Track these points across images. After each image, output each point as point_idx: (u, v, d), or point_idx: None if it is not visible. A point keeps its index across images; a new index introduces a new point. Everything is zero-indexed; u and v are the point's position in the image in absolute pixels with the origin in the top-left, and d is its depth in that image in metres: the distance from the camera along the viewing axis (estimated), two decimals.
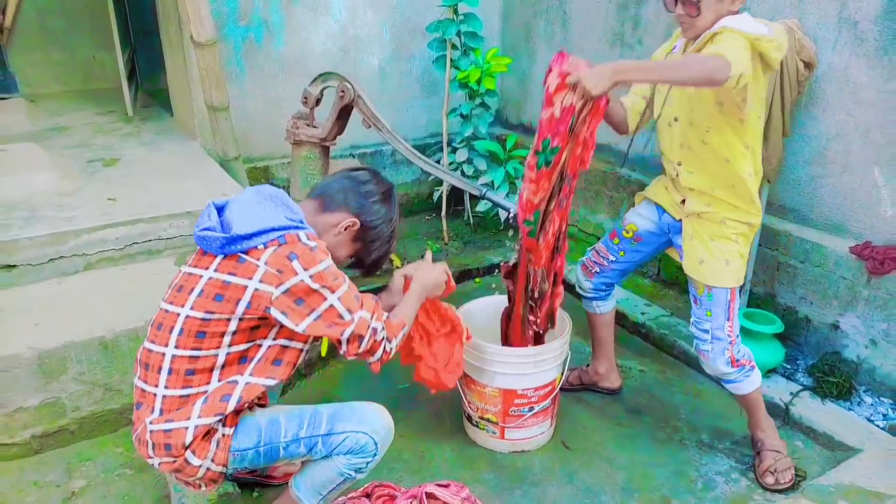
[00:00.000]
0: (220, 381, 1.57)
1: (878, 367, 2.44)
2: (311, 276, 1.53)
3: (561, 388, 2.29)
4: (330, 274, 1.56)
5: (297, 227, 1.58)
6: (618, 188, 3.49)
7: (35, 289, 2.33)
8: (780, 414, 2.39)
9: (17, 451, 2.05)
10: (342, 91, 2.42)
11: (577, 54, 3.43)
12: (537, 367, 2.13)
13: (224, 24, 3.34)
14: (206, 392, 1.56)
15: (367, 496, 1.84)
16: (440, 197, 3.87)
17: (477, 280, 3.48)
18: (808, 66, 2.44)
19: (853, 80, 2.42)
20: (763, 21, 1.97)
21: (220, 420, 1.56)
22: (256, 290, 1.52)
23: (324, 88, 2.56)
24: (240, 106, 3.43)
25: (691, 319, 2.15)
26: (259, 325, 1.58)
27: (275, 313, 1.54)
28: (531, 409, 2.18)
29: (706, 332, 2.08)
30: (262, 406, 1.75)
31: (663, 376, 2.70)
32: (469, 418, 2.29)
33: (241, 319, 1.54)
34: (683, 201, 2.13)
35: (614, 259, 2.35)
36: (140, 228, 2.52)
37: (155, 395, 1.57)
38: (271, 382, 1.61)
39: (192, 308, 1.55)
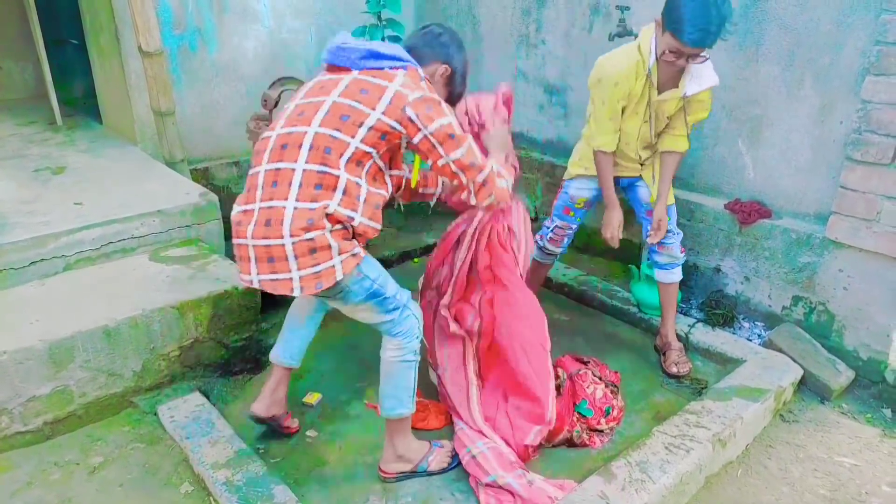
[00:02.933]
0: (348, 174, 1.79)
1: (751, 298, 3.06)
2: (434, 95, 1.87)
3: None
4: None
5: (416, 65, 1.93)
6: (532, 170, 3.98)
7: (21, 290, 2.46)
8: (683, 341, 2.95)
9: (31, 438, 2.21)
10: None
11: (488, 53, 4.09)
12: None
13: (160, 32, 3.49)
14: (342, 183, 1.78)
15: None
16: None
17: (415, 260, 3.86)
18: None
19: (718, 70, 3.01)
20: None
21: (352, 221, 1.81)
22: (397, 91, 1.80)
23: (282, 91, 2.83)
24: (177, 111, 3.58)
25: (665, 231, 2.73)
26: (386, 135, 1.81)
27: (409, 112, 1.79)
28: None
29: (670, 232, 2.72)
30: None
31: (587, 321, 3.21)
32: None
33: (375, 123, 1.78)
34: (641, 163, 2.75)
35: (574, 226, 2.94)
36: (114, 228, 2.69)
37: (294, 169, 1.77)
38: (383, 193, 1.91)
39: (322, 119, 1.79)
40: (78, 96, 4.77)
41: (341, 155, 1.78)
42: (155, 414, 2.38)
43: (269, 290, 1.82)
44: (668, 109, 2.60)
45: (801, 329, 2.87)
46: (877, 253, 2.57)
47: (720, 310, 3.09)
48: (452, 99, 2.15)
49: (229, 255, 3.10)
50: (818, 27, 2.66)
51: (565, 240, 2.98)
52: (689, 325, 3.00)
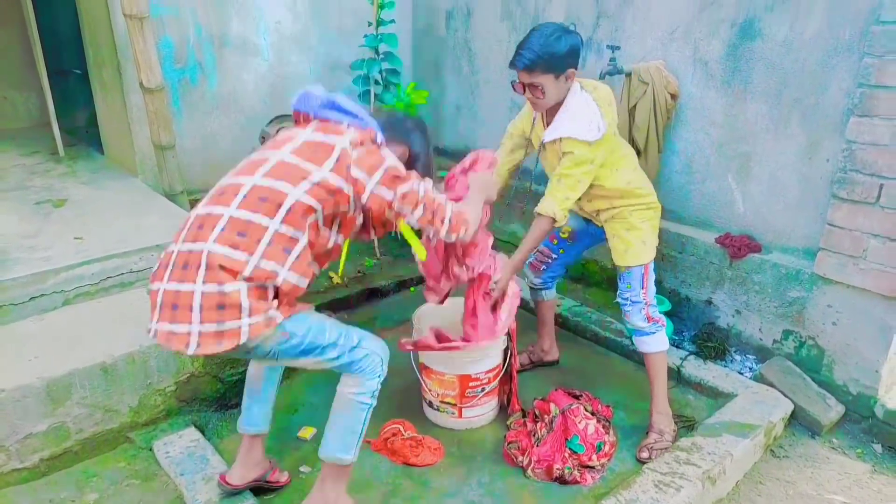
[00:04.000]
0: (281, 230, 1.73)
1: (743, 331, 3.09)
2: (378, 151, 1.87)
3: (519, 371, 2.80)
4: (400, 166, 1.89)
5: (375, 127, 1.92)
6: (527, 201, 4.02)
7: (20, 326, 2.50)
8: (674, 375, 2.98)
9: (27, 475, 2.23)
10: None
11: (483, 85, 4.13)
12: (486, 353, 2.58)
13: (161, 67, 3.55)
14: (270, 234, 1.71)
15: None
16: None
17: (412, 289, 3.89)
18: (673, 96, 3.08)
19: (707, 107, 3.08)
20: (589, 90, 2.44)
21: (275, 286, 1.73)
22: (343, 149, 1.79)
23: (279, 129, 2.88)
24: (178, 143, 3.64)
25: (617, 293, 2.64)
26: (333, 193, 1.79)
27: (354, 171, 1.79)
28: (483, 389, 2.62)
29: (626, 300, 2.60)
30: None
31: (580, 353, 3.24)
32: (430, 404, 2.69)
33: (320, 180, 1.76)
34: (597, 213, 2.68)
35: (556, 256, 2.90)
36: (114, 263, 2.74)
37: (222, 214, 1.71)
38: (327, 247, 1.90)
39: (262, 176, 1.75)
40: (81, 125, 4.84)
41: (279, 205, 1.72)
42: (150, 449, 2.40)
43: (163, 344, 1.68)
44: (551, 159, 2.55)
45: (792, 363, 2.90)
46: (864, 289, 2.60)
47: (712, 342, 3.12)
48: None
49: None
50: (804, 67, 2.72)
51: (545, 269, 2.93)
52: (681, 358, 3.02)
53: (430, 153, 2.15)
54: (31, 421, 2.19)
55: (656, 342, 2.60)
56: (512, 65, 2.36)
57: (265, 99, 4.02)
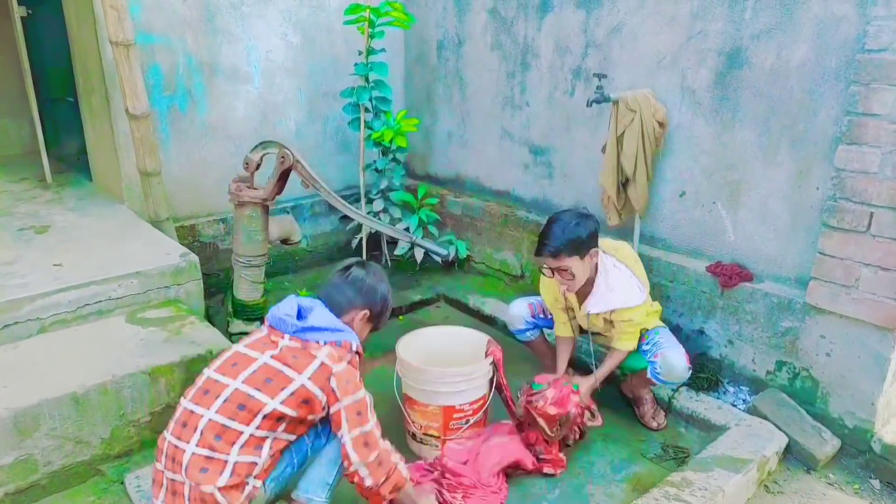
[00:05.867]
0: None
1: (735, 361, 3.02)
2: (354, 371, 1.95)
3: None
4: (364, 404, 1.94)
5: (348, 336, 1.98)
6: (518, 228, 3.99)
7: None
8: (665, 407, 2.90)
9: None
10: (283, 157, 2.74)
11: (474, 113, 4.12)
12: (470, 384, 2.51)
13: (150, 94, 3.54)
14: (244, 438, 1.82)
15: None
16: (359, 243, 4.22)
17: (401, 318, 3.83)
18: (661, 125, 3.06)
19: (696, 135, 3.06)
20: (611, 253, 2.67)
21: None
22: (323, 361, 1.88)
23: (264, 155, 2.87)
24: (165, 170, 3.60)
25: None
26: (308, 401, 1.87)
27: (332, 382, 1.87)
28: (467, 421, 2.55)
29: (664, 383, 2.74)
30: None
31: None
32: (413, 436, 2.62)
33: (299, 388, 1.85)
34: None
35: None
36: (92, 290, 2.68)
37: (202, 415, 1.82)
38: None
39: (242, 382, 1.85)
40: (72, 152, 4.83)
41: (256, 413, 1.82)
42: (122, 483, 2.32)
43: None
44: (596, 322, 2.74)
45: (786, 395, 2.82)
46: (857, 319, 2.55)
47: (704, 373, 3.05)
48: (379, 325, 2.21)
49: (207, 315, 3.10)
50: (791, 95, 2.70)
51: (539, 320, 2.98)
52: (672, 389, 2.95)
53: (386, 301, 2.17)
54: None
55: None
56: (538, 254, 2.52)
57: (256, 126, 4.01)
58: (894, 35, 2.27)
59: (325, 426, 1.99)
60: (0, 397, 2.18)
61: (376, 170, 4.09)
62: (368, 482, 1.91)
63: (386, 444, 1.98)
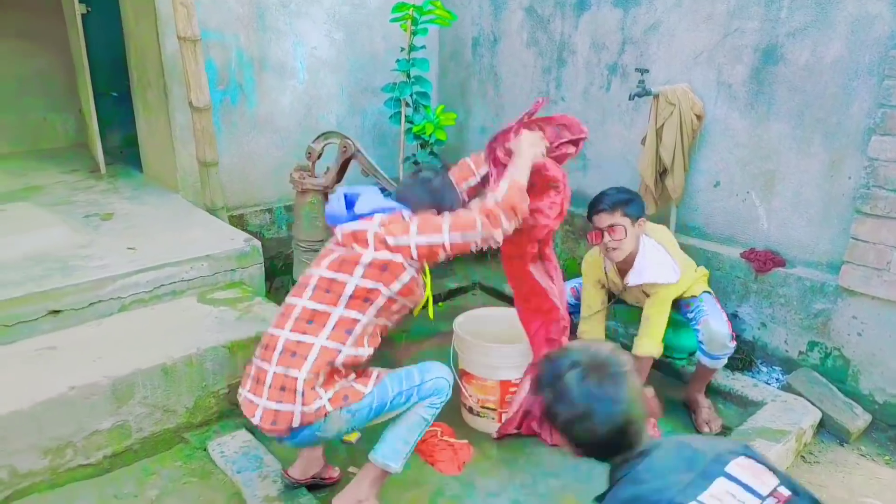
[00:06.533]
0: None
1: (769, 343, 3.19)
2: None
3: None
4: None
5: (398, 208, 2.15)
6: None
7: (80, 330, 2.60)
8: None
9: (91, 471, 2.32)
10: (345, 147, 2.90)
11: (509, 109, 4.31)
12: (525, 359, 2.68)
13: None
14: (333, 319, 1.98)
15: None
16: None
17: (440, 304, 4.00)
18: (698, 118, 3.23)
19: (731, 127, 3.22)
20: (649, 233, 2.80)
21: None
22: (375, 231, 2.03)
23: (325, 145, 3.03)
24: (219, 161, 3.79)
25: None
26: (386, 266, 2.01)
27: (391, 240, 2.01)
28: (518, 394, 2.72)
29: (728, 347, 2.81)
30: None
31: None
32: (470, 409, 2.78)
33: (371, 260, 2.00)
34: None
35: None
36: (167, 272, 2.85)
37: (295, 305, 2.04)
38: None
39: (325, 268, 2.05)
40: (115, 145, 5.00)
41: (340, 294, 1.98)
42: (205, 449, 2.49)
43: (244, 412, 2.03)
44: (637, 295, 2.89)
45: (818, 374, 2.99)
46: (888, 300, 2.71)
47: (738, 354, 3.21)
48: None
49: (270, 296, 3.26)
50: (825, 90, 2.86)
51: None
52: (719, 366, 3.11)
53: (457, 197, 2.30)
54: (96, 419, 2.29)
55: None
56: (594, 211, 2.71)
57: (300, 119, 4.18)
58: None
59: (409, 388, 2.08)
60: (96, 368, 2.35)
61: (415, 162, 4.25)
62: (503, 218, 2.04)
63: (467, 213, 2.08)
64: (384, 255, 2.00)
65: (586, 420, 1.40)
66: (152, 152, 4.09)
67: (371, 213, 2.10)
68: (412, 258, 2.03)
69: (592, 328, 2.96)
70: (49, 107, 4.91)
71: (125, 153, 4.80)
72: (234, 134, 3.94)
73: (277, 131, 4.12)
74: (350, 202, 2.16)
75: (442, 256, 2.06)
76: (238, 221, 4.00)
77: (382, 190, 2.22)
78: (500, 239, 2.08)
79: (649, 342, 2.76)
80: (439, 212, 2.16)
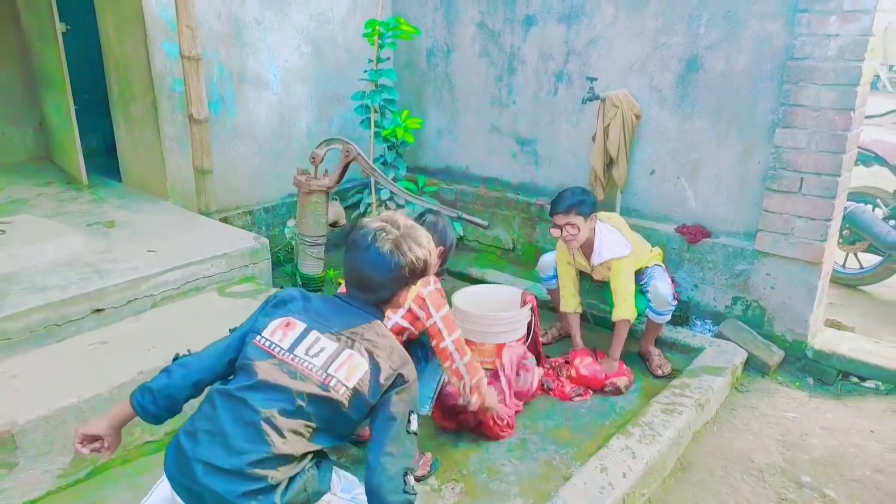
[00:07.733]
0: None
1: (700, 301, 3.86)
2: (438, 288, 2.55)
3: (545, 344, 3.51)
4: None
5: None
6: (509, 208, 4.69)
7: (122, 325, 2.86)
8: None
9: (155, 446, 2.61)
10: (347, 151, 3.29)
11: (463, 112, 4.88)
12: (516, 325, 3.19)
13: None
14: None
15: None
16: None
17: None
18: (637, 117, 3.85)
19: (663, 125, 3.87)
20: (604, 220, 3.36)
21: None
22: (419, 291, 2.41)
23: (328, 150, 3.40)
24: None
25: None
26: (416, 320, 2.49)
27: (428, 301, 2.46)
28: None
29: (671, 304, 3.40)
30: None
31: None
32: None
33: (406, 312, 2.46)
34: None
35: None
36: (191, 270, 3.14)
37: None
38: None
39: None
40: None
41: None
42: None
43: None
44: (602, 272, 3.43)
45: (742, 322, 3.68)
46: (794, 258, 3.42)
47: (678, 312, 3.86)
48: (442, 265, 2.78)
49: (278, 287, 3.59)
50: (738, 93, 3.55)
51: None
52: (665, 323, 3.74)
53: (454, 244, 2.81)
54: None
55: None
56: (553, 213, 3.23)
57: (275, 128, 4.49)
58: (814, 47, 3.14)
59: (424, 353, 2.57)
60: (155, 355, 2.64)
61: (384, 163, 4.67)
62: (466, 378, 2.52)
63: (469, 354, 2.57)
64: (416, 309, 2.46)
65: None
66: (135, 162, 4.28)
67: None
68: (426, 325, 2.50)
69: (567, 298, 3.52)
70: (7, 121, 4.93)
71: (94, 163, 4.90)
72: (217, 143, 4.20)
73: (255, 139, 4.42)
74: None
75: (435, 344, 2.50)
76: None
77: None
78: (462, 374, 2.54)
79: (622, 308, 3.29)
80: (444, 249, 2.66)
